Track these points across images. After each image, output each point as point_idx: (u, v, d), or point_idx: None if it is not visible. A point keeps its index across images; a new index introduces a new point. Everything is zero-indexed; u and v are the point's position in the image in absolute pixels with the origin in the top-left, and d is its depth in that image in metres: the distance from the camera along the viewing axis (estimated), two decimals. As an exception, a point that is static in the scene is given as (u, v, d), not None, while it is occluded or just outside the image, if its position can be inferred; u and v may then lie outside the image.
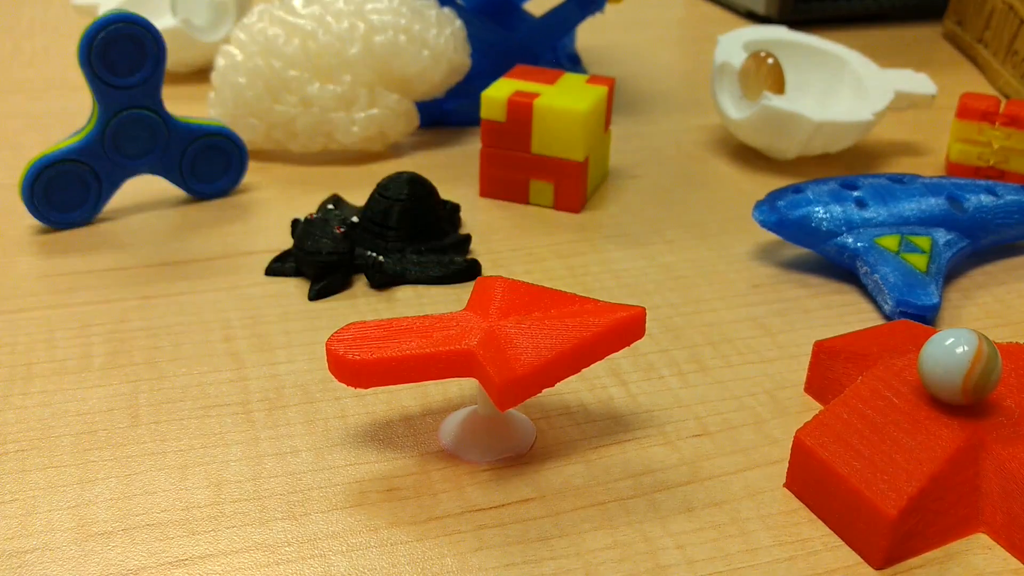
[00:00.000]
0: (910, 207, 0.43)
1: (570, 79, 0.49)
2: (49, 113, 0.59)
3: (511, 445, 0.33)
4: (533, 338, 0.30)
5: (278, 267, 0.43)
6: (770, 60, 0.52)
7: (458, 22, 0.54)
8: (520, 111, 0.47)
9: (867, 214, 0.43)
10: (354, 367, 0.30)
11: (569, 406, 0.35)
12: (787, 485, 0.31)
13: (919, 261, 0.41)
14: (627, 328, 0.31)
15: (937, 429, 0.30)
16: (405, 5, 0.51)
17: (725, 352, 0.38)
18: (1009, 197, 0.45)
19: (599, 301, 0.32)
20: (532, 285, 0.33)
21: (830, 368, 0.35)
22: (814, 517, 0.30)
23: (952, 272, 0.44)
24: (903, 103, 0.55)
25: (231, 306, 0.40)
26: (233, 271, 0.43)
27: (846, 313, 0.41)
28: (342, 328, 0.31)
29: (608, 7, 0.61)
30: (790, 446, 0.31)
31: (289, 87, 0.50)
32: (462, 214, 0.48)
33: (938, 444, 0.29)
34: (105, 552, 0.28)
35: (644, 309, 0.32)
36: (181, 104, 0.48)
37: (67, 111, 0.59)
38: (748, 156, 0.56)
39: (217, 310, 0.40)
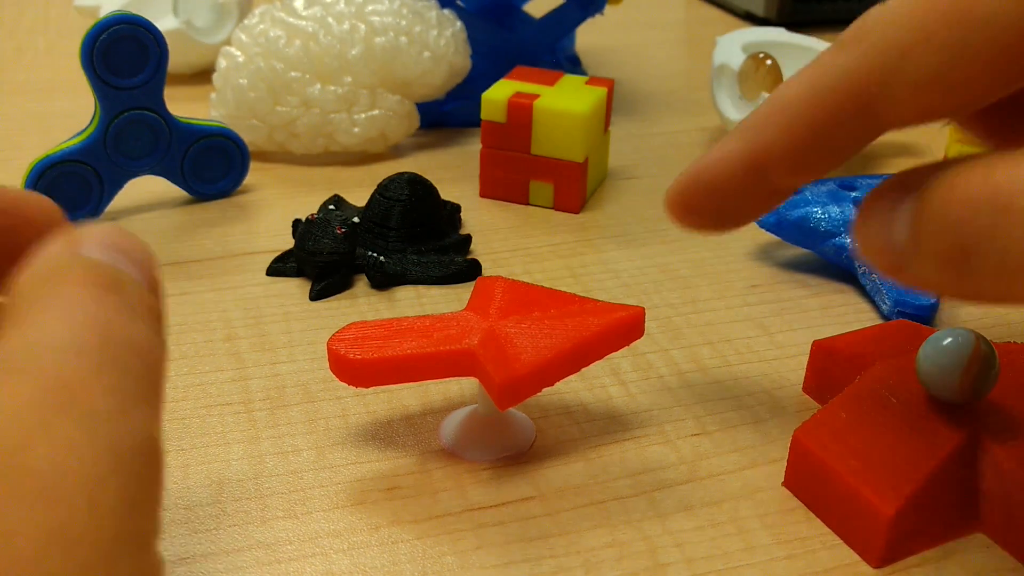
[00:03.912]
0: (908, 208, 0.43)
1: (570, 80, 0.49)
2: (51, 114, 0.59)
3: (511, 444, 0.33)
4: (533, 338, 0.30)
5: (279, 267, 0.43)
6: (769, 61, 0.52)
7: (459, 24, 0.54)
8: (520, 112, 0.47)
9: (866, 215, 0.43)
10: (355, 366, 0.30)
11: (569, 406, 0.35)
12: (785, 484, 0.32)
13: (917, 261, 0.41)
14: (626, 328, 0.32)
15: (935, 428, 0.30)
16: (406, 7, 0.52)
17: (724, 352, 0.38)
18: (1007, 198, 0.45)
19: (599, 301, 0.33)
20: (532, 285, 0.33)
21: (828, 368, 0.35)
22: (812, 516, 0.30)
23: (950, 272, 0.44)
24: (902, 104, 0.55)
25: (232, 306, 0.40)
26: (234, 271, 0.43)
27: (844, 313, 0.41)
28: (343, 328, 0.31)
29: (608, 8, 0.61)
30: (788, 445, 0.31)
31: (291, 88, 0.50)
32: (462, 214, 0.48)
33: (936, 443, 0.29)
34: (107, 550, 0.28)
35: (643, 309, 0.32)
36: (183, 105, 0.48)
37: (69, 112, 0.59)
38: (747, 157, 0.56)
39: (219, 310, 0.40)
